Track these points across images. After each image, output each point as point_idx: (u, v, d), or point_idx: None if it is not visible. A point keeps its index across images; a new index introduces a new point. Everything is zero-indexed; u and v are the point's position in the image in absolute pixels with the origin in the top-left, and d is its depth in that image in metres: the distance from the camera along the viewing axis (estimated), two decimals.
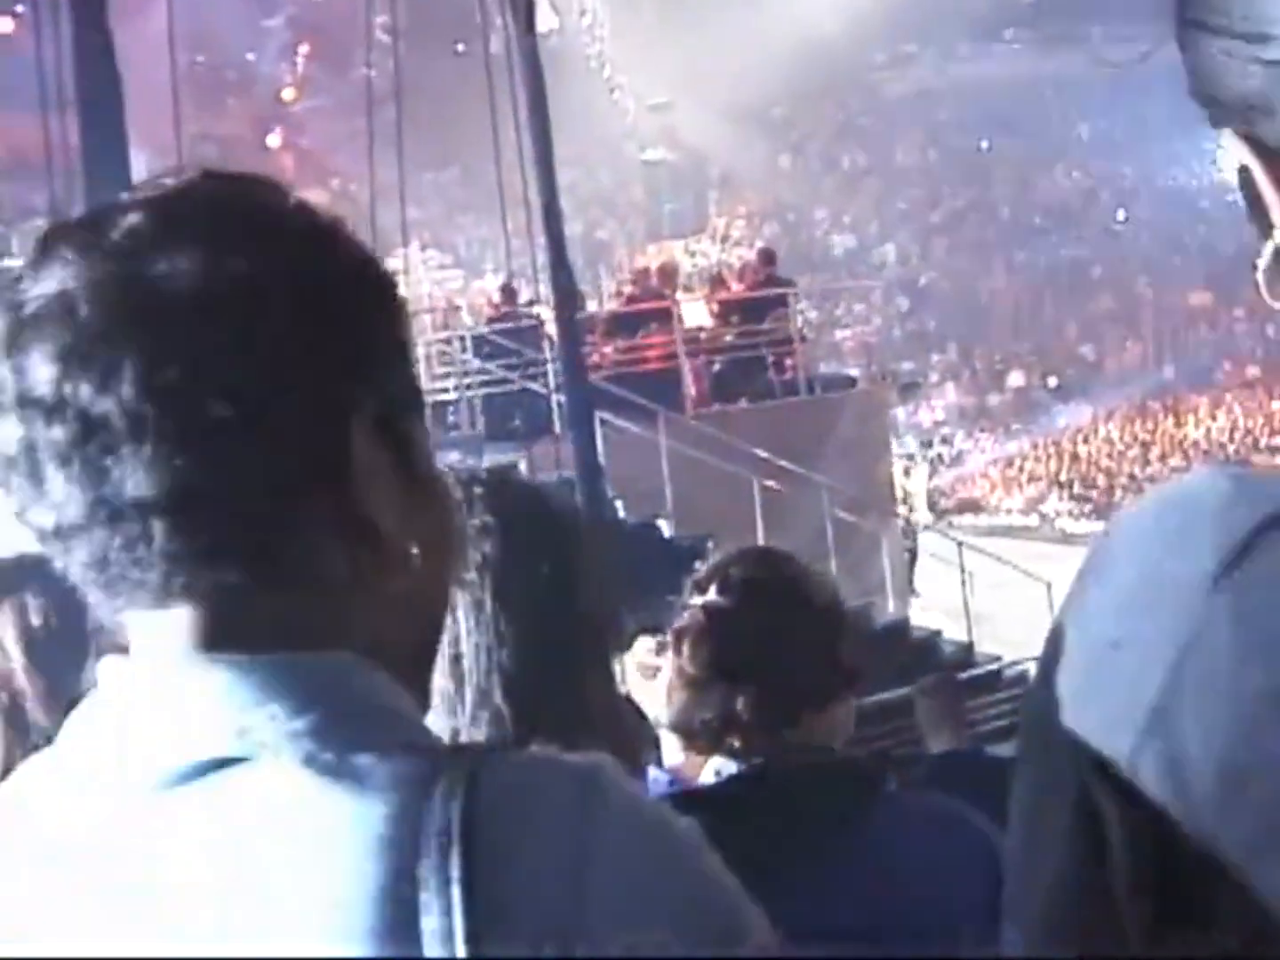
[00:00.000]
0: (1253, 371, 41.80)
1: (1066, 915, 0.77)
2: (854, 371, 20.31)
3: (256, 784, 0.81)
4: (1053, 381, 43.42)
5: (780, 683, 2.04)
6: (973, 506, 36.58)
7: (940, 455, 40.21)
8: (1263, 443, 34.78)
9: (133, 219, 0.86)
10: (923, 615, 14.27)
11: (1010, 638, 12.87)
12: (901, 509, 18.64)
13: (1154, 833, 0.72)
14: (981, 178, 51.59)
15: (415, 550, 0.93)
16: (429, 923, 0.76)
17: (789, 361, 15.96)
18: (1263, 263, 0.82)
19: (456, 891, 0.76)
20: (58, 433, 0.83)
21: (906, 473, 22.58)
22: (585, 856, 0.80)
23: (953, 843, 1.97)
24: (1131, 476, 34.73)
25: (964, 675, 9.60)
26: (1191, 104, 0.85)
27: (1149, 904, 0.72)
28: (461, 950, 0.76)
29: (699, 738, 2.07)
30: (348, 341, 0.90)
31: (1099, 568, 0.81)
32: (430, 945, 0.76)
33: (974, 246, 49.44)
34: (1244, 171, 0.83)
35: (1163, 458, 35.53)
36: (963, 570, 13.95)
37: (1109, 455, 37.32)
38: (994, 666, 12.23)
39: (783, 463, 13.03)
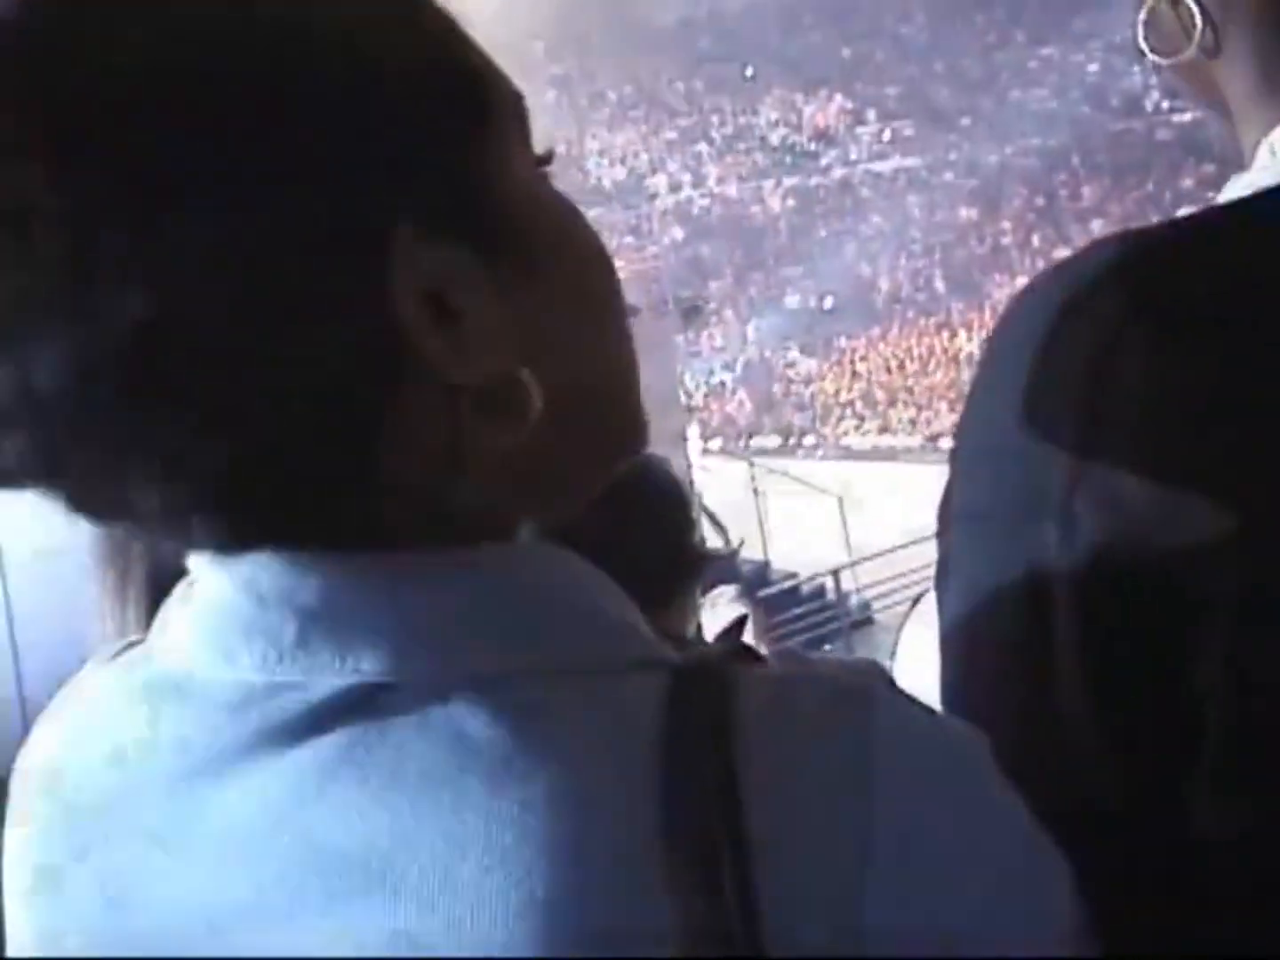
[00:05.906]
0: (1023, 283, 42.77)
1: (1007, 697, 0.75)
2: (633, 301, 20.36)
3: (418, 722, 0.56)
4: (829, 302, 44.06)
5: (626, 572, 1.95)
6: (758, 428, 37.03)
7: (723, 381, 40.61)
8: None
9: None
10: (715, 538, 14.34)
11: (805, 554, 13.02)
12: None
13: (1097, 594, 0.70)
14: (748, 104, 51.98)
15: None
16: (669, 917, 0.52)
17: None
18: (1142, 14, 0.82)
19: (727, 857, 0.53)
20: None
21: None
22: (867, 823, 0.54)
23: None
24: (909, 390, 35.45)
25: (761, 594, 9.64)
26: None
27: (1092, 689, 0.71)
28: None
29: None
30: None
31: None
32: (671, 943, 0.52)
33: (745, 173, 49.87)
34: None
35: (940, 369, 36.34)
36: (756, 492, 14.07)
37: (887, 370, 38.02)
38: (790, 584, 12.36)
39: None
